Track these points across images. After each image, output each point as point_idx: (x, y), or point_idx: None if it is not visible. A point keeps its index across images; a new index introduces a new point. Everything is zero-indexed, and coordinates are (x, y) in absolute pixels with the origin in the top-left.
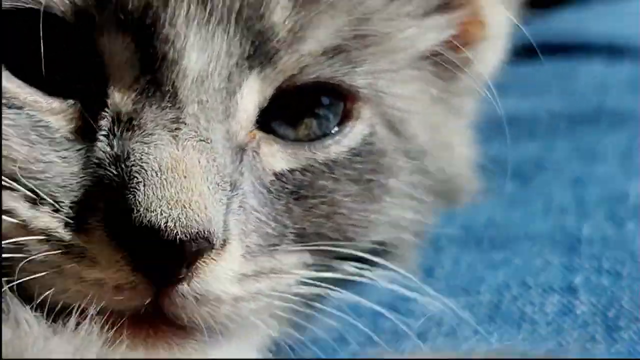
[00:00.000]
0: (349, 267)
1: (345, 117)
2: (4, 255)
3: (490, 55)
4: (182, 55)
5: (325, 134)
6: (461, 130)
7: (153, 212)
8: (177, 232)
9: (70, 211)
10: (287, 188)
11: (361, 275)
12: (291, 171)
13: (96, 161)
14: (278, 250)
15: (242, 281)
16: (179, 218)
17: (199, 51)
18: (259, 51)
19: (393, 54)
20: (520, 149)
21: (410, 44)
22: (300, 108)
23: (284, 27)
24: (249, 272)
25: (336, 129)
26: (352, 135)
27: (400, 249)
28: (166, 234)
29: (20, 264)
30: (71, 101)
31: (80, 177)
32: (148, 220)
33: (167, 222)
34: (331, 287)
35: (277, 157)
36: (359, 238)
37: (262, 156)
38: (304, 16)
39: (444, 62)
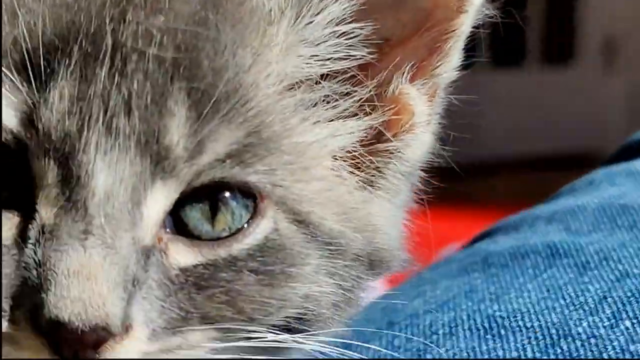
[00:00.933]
0: (269, 335)
1: (254, 214)
2: None
3: (419, 141)
4: (91, 177)
5: (236, 231)
6: (388, 213)
7: (59, 309)
8: (78, 324)
9: (4, 305)
10: (189, 280)
11: (280, 342)
12: (195, 266)
13: (24, 265)
14: (183, 331)
15: (147, 358)
16: (80, 314)
17: (106, 173)
18: (159, 167)
19: (293, 160)
20: None
21: (316, 147)
22: (212, 206)
23: (179, 146)
24: (154, 350)
25: (246, 225)
26: (254, 235)
27: (320, 318)
28: (70, 326)
29: None
30: (10, 214)
31: (12, 278)
32: (55, 315)
33: (69, 317)
34: (246, 355)
35: (182, 254)
36: (264, 319)
37: (169, 254)
38: (200, 133)
39: (368, 154)
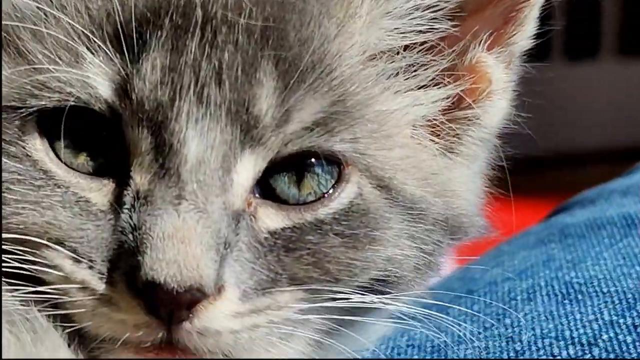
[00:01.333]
0: (353, 296)
1: (339, 180)
2: (52, 295)
3: (496, 108)
4: (183, 145)
5: (321, 196)
6: (467, 178)
7: (155, 270)
8: (173, 286)
9: (102, 267)
10: (278, 242)
11: (365, 302)
12: (283, 229)
13: (120, 229)
14: (272, 292)
15: (239, 318)
16: (175, 275)
17: (197, 141)
18: (248, 136)
19: (376, 128)
20: None
21: (397, 115)
22: (297, 170)
23: (268, 115)
24: (245, 311)
25: (331, 190)
26: (339, 199)
27: (402, 280)
28: (165, 287)
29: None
30: (105, 180)
31: (109, 242)
32: (152, 277)
33: (165, 278)
34: (334, 315)
35: (271, 218)
36: (348, 280)
37: (259, 218)
38: (287, 102)
39: (448, 122)
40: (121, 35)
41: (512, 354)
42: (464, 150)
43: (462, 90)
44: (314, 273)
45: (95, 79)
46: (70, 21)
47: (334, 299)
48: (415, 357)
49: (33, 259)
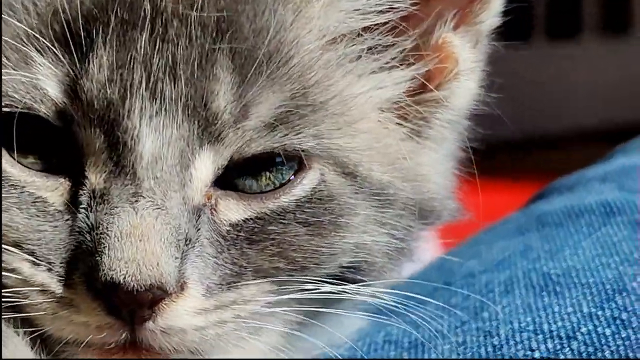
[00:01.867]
0: (323, 286)
1: (299, 168)
2: (11, 299)
3: (464, 89)
4: (137, 142)
5: (281, 185)
6: (436, 162)
7: (114, 270)
8: (133, 285)
9: (60, 270)
10: (240, 235)
11: (337, 292)
12: (245, 220)
13: (78, 229)
14: (238, 286)
15: (203, 314)
16: (134, 274)
17: (152, 138)
18: (206, 132)
19: (339, 115)
20: None
21: (361, 100)
22: (258, 167)
23: (226, 111)
24: (209, 307)
25: (292, 177)
26: (301, 186)
27: (373, 268)
28: (125, 287)
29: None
30: (61, 179)
31: (67, 243)
32: (111, 277)
33: (124, 278)
34: (300, 306)
35: (232, 210)
36: (315, 268)
37: (219, 211)
38: (245, 97)
39: (415, 104)
40: (68, 33)
41: (489, 349)
42: (432, 133)
43: (427, 71)
44: (279, 264)
45: (45, 80)
46: (17, 22)
47: (303, 290)
48: (392, 353)
49: None
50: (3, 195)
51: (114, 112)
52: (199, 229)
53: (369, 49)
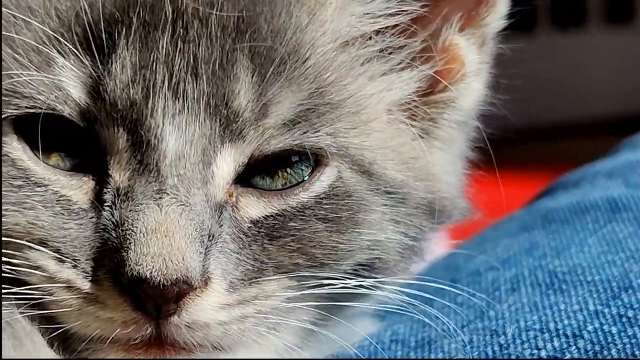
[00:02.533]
0: (338, 281)
1: (316, 166)
2: (35, 296)
3: (470, 90)
4: (161, 141)
5: (299, 182)
6: (446, 161)
7: (140, 265)
8: (160, 279)
9: (86, 266)
10: (262, 231)
11: (354, 287)
12: (265, 217)
13: (102, 227)
14: (259, 281)
15: (226, 309)
16: (161, 269)
17: (175, 136)
18: (227, 130)
19: (354, 114)
20: None
21: (374, 100)
22: (275, 165)
23: (247, 109)
24: (232, 302)
25: (308, 177)
26: (320, 182)
27: (387, 265)
28: (151, 282)
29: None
30: (85, 178)
31: (92, 240)
32: (137, 272)
33: (151, 273)
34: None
35: (253, 207)
36: (334, 264)
37: (240, 208)
38: (266, 96)
39: (423, 105)
40: (90, 36)
41: (496, 348)
42: (441, 134)
43: (435, 73)
44: (299, 259)
45: (67, 82)
46: (39, 24)
47: (322, 285)
48: (399, 352)
49: (15, 260)
50: (28, 193)
51: (137, 112)
52: (221, 226)
53: (380, 51)
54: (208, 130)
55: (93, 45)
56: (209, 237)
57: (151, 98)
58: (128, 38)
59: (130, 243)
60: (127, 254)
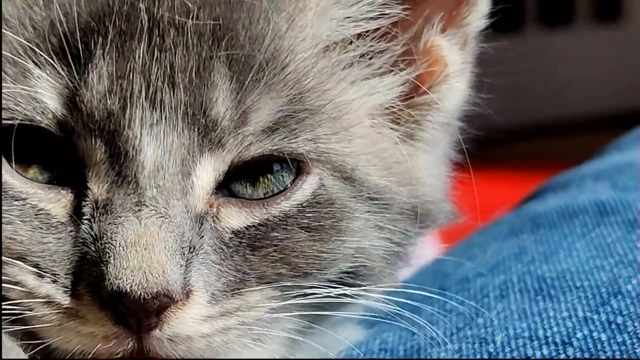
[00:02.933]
0: (322, 290)
1: (298, 174)
2: (15, 312)
3: (453, 91)
4: (139, 152)
5: (281, 191)
6: (430, 164)
7: (120, 279)
8: (140, 293)
9: (66, 281)
10: (243, 242)
11: (338, 296)
12: (247, 227)
13: (81, 240)
14: (242, 293)
15: (209, 321)
16: (141, 282)
17: (153, 146)
18: (206, 139)
19: (334, 120)
20: None
21: (355, 105)
22: (256, 173)
23: (226, 117)
24: (215, 314)
25: (289, 185)
26: (302, 191)
27: (372, 272)
28: (132, 295)
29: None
30: (64, 191)
31: (71, 254)
32: (117, 286)
33: (131, 287)
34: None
35: (234, 217)
36: (317, 273)
37: (222, 219)
38: (244, 103)
39: (406, 108)
40: (66, 46)
41: (485, 356)
42: (425, 136)
43: (418, 75)
44: (282, 269)
45: (44, 93)
46: (13, 35)
47: (305, 295)
48: None
49: None
50: (5, 208)
51: (114, 123)
52: (202, 237)
53: (361, 55)
54: (186, 140)
55: (69, 55)
56: (190, 249)
57: (128, 108)
58: (104, 47)
59: (109, 257)
60: (107, 268)
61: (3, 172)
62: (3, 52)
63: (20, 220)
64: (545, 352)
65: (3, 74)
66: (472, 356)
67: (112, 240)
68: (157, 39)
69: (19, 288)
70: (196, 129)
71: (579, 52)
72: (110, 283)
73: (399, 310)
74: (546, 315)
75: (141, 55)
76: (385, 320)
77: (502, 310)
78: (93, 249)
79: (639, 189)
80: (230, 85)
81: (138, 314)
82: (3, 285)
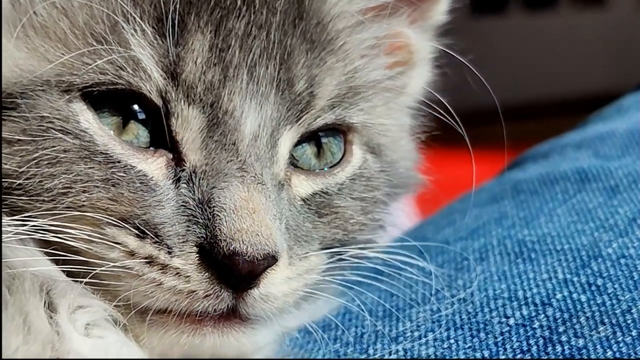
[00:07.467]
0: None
1: (346, 148)
2: (113, 271)
3: (419, 76)
4: (239, 122)
5: (335, 163)
6: (406, 141)
7: (236, 241)
8: (255, 254)
9: (169, 242)
10: (311, 209)
11: (367, 255)
12: (313, 195)
13: (183, 204)
14: (307, 256)
15: (287, 282)
16: (255, 244)
17: (252, 117)
18: (289, 112)
19: (368, 93)
20: None
21: (384, 85)
22: (316, 145)
23: (304, 93)
24: (293, 275)
25: (341, 158)
26: (352, 163)
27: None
28: (247, 256)
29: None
30: (158, 155)
31: (173, 216)
32: (233, 248)
33: (247, 248)
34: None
35: (302, 185)
36: (359, 240)
37: (293, 187)
38: (316, 79)
39: (392, 88)
40: (164, 17)
41: (464, 316)
42: (396, 116)
43: (394, 62)
44: (338, 235)
45: (147, 62)
46: (111, 3)
47: (341, 259)
48: (366, 322)
49: (88, 237)
50: (105, 170)
51: (214, 94)
52: (284, 203)
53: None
54: (277, 113)
55: (167, 26)
56: (280, 214)
57: (229, 80)
58: (202, 20)
59: (221, 219)
60: (221, 230)
61: (100, 135)
62: (98, 17)
63: (121, 182)
64: (524, 312)
65: (102, 39)
66: (450, 316)
67: (221, 203)
68: (252, 16)
69: (121, 248)
70: (285, 103)
71: (563, 35)
72: (227, 244)
73: (378, 273)
74: (526, 277)
75: (241, 30)
76: (365, 282)
77: (482, 272)
78: (199, 211)
79: (620, 157)
80: (306, 62)
81: (248, 273)
82: (103, 244)
